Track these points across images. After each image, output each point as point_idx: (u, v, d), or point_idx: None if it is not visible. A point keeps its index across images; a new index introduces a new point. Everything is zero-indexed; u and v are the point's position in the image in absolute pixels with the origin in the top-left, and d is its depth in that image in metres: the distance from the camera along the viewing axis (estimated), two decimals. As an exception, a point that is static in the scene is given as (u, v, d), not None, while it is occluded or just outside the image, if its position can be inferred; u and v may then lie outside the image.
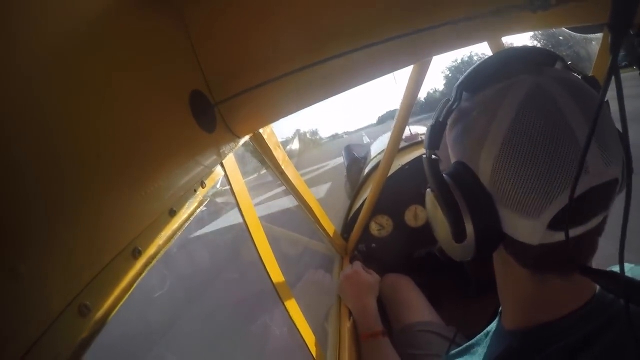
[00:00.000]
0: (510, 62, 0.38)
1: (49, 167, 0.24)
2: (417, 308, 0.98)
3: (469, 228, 0.36)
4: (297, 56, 0.47)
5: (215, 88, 0.48)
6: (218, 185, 0.55)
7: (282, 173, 0.87)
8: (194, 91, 0.44)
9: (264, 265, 0.71)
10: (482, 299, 0.70)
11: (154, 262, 0.34)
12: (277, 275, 0.74)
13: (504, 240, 0.37)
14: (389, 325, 0.99)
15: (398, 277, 1.12)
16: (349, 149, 3.03)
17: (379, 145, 2.66)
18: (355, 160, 2.70)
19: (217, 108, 0.49)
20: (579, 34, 0.62)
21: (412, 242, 1.23)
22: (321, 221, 1.12)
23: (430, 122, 0.40)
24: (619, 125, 0.35)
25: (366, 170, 1.83)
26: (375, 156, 2.16)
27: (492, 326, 0.48)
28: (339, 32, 0.46)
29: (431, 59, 0.79)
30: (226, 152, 0.52)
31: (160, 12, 0.41)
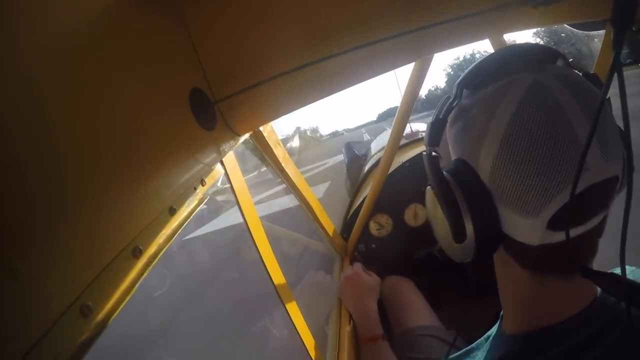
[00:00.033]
0: (511, 59, 0.38)
1: (48, 167, 0.24)
2: (418, 311, 0.98)
3: (469, 227, 0.36)
4: (297, 54, 0.47)
5: (215, 86, 0.48)
6: (219, 184, 0.54)
7: (282, 171, 0.87)
8: (194, 89, 0.44)
9: (264, 265, 0.71)
10: (482, 300, 0.70)
11: (155, 261, 0.34)
12: (277, 275, 0.74)
13: (504, 241, 0.37)
14: (389, 328, 0.99)
15: (399, 279, 1.12)
16: (349, 147, 3.03)
17: (379, 143, 2.66)
18: (355, 158, 2.70)
19: (217, 106, 0.49)
20: (581, 31, 0.62)
21: (412, 242, 1.23)
22: (321, 220, 1.12)
23: (430, 119, 0.40)
24: (620, 123, 0.35)
25: (366, 167, 1.82)
26: (376, 153, 2.16)
27: (493, 330, 0.47)
28: (339, 29, 0.45)
29: (432, 56, 0.79)
30: (226, 150, 0.52)
31: (160, 12, 0.41)
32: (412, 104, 0.93)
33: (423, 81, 0.86)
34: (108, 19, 0.33)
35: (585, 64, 0.42)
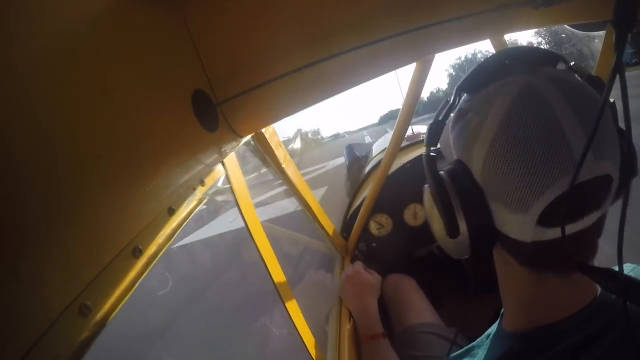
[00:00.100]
0: (507, 62, 0.39)
1: (48, 167, 0.24)
2: (419, 309, 0.98)
3: (462, 224, 0.37)
4: (299, 55, 0.47)
5: (217, 88, 0.48)
6: (219, 184, 0.54)
7: (283, 172, 0.87)
8: (196, 91, 0.44)
9: (265, 265, 0.70)
10: (482, 298, 0.70)
11: (155, 261, 0.34)
12: (278, 274, 0.74)
13: (500, 238, 0.38)
14: (390, 326, 0.99)
15: (401, 277, 1.12)
16: (350, 148, 3.04)
17: (381, 145, 2.66)
18: (356, 159, 2.70)
19: (219, 107, 0.49)
20: (581, 32, 0.62)
21: (412, 241, 1.23)
22: (321, 220, 1.12)
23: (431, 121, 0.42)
24: (621, 124, 0.35)
25: (367, 168, 1.83)
26: (377, 155, 2.16)
27: (493, 328, 0.47)
28: (339, 29, 0.45)
29: (433, 57, 0.79)
30: (228, 151, 0.52)
31: (160, 12, 0.41)
32: (414, 106, 0.93)
33: (424, 82, 0.86)
34: (108, 18, 0.33)
35: (586, 65, 0.42)
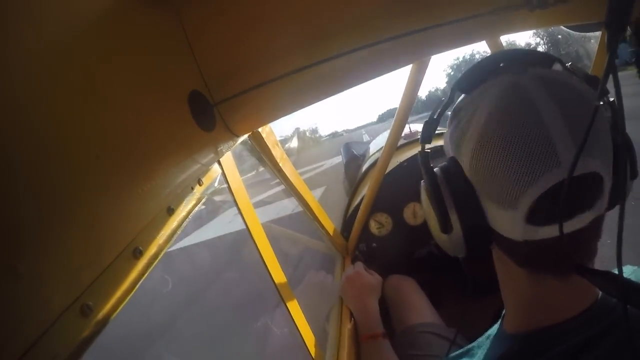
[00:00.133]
0: (500, 63, 0.39)
1: (45, 167, 0.24)
2: (420, 310, 0.98)
3: (455, 220, 0.38)
4: (296, 57, 0.47)
5: (214, 88, 0.48)
6: (216, 184, 0.55)
7: (280, 171, 0.87)
8: (193, 91, 0.44)
9: (265, 264, 0.71)
10: (483, 299, 0.70)
11: (156, 262, 0.34)
12: (278, 273, 0.74)
13: (494, 237, 0.38)
14: (391, 327, 0.99)
15: (402, 278, 1.12)
16: (347, 147, 3.03)
17: (378, 143, 2.66)
18: (353, 158, 2.69)
19: (216, 108, 0.49)
20: (577, 33, 0.62)
21: (412, 240, 1.23)
22: (321, 220, 1.12)
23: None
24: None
25: (364, 167, 1.83)
26: (374, 153, 2.16)
27: (494, 329, 0.48)
28: (337, 32, 0.46)
29: (430, 58, 0.79)
30: (224, 150, 0.52)
31: (157, 13, 0.41)
32: (410, 105, 0.93)
33: (421, 82, 0.86)
34: (105, 19, 0.33)
35: (582, 66, 0.42)
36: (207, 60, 0.47)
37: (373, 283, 1.01)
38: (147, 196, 0.34)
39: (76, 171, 0.27)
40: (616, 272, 0.32)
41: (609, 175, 0.34)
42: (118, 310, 0.28)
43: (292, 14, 0.46)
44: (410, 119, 1.01)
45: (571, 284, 0.37)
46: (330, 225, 1.18)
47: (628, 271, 0.44)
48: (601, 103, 0.33)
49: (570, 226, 0.33)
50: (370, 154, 2.40)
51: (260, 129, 0.72)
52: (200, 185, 0.47)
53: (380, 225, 1.25)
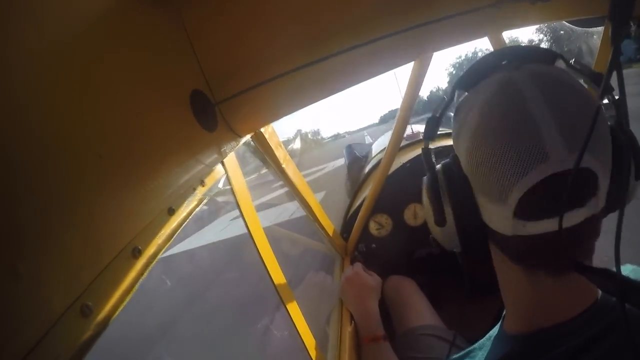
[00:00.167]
0: (500, 60, 0.40)
1: (47, 167, 0.24)
2: (420, 311, 0.98)
3: (449, 213, 0.39)
4: (297, 55, 0.47)
5: (215, 87, 0.48)
6: (220, 185, 0.54)
7: (283, 172, 0.87)
8: (194, 91, 0.44)
9: (265, 265, 0.70)
10: (483, 300, 0.70)
11: (154, 262, 0.34)
12: (278, 275, 0.74)
13: (488, 231, 0.38)
14: (391, 328, 0.99)
15: (401, 279, 1.11)
16: (350, 148, 3.04)
17: (380, 144, 2.66)
18: (356, 159, 2.70)
19: (217, 107, 0.49)
20: (580, 28, 0.62)
21: (412, 241, 1.23)
22: (321, 221, 1.12)
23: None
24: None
25: (367, 168, 1.82)
26: (377, 154, 2.16)
27: (495, 330, 0.47)
28: (338, 28, 0.46)
29: (431, 56, 0.79)
30: (227, 151, 0.52)
31: (159, 13, 0.41)
32: (412, 105, 0.93)
33: (423, 81, 0.86)
34: (107, 19, 0.33)
35: (584, 62, 0.42)
36: (208, 59, 0.47)
37: (372, 284, 1.01)
38: (149, 196, 0.34)
39: (77, 171, 0.27)
40: (614, 269, 0.31)
41: (605, 173, 0.33)
42: (118, 312, 0.28)
43: (293, 12, 0.46)
44: (411, 119, 1.01)
45: (568, 283, 0.37)
46: (331, 226, 1.18)
47: (627, 270, 0.43)
48: (605, 101, 0.32)
49: (557, 223, 0.33)
50: (373, 155, 2.41)
51: (262, 130, 0.72)
52: (202, 186, 0.47)
53: (380, 226, 1.24)
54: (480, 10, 0.42)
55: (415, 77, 0.85)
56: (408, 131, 1.63)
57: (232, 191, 0.65)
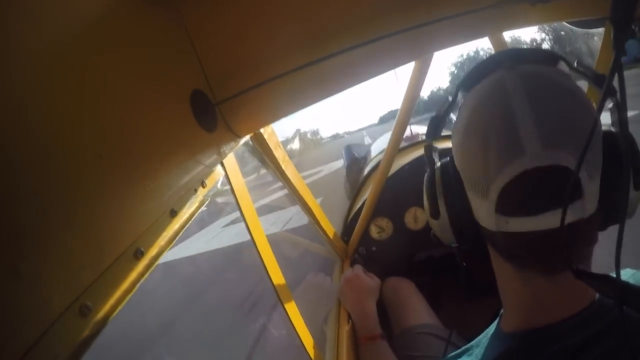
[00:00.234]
0: (499, 62, 0.40)
1: (47, 167, 0.24)
2: (418, 311, 0.98)
3: (441, 204, 0.42)
4: (297, 55, 0.47)
5: (216, 88, 0.48)
6: (219, 185, 0.54)
7: (282, 173, 0.87)
8: (195, 91, 0.44)
9: (265, 266, 0.70)
10: (481, 302, 0.70)
11: (156, 263, 0.34)
12: (277, 275, 0.73)
13: (480, 227, 0.39)
14: (389, 329, 0.99)
15: (400, 280, 1.12)
16: (349, 149, 3.04)
17: (379, 145, 2.66)
18: (355, 161, 2.70)
19: (217, 108, 0.49)
20: (580, 30, 0.62)
21: (412, 245, 1.23)
22: (321, 223, 1.11)
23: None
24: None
25: (366, 170, 1.82)
26: (376, 156, 2.16)
27: (492, 328, 0.47)
28: (339, 28, 0.45)
29: (432, 56, 0.79)
30: (227, 151, 0.52)
31: (159, 12, 0.41)
32: (412, 105, 0.93)
33: (423, 82, 0.86)
34: (107, 19, 0.33)
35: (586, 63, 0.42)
36: (209, 59, 0.47)
37: (371, 285, 1.01)
38: (150, 197, 0.34)
39: (78, 171, 0.27)
40: (613, 274, 0.31)
41: (592, 176, 0.33)
42: (117, 311, 0.28)
43: (293, 12, 0.46)
44: (411, 120, 1.01)
45: (563, 283, 0.36)
46: (331, 228, 1.18)
47: (627, 274, 0.43)
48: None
49: (539, 223, 0.33)
50: (372, 156, 2.40)
51: (262, 130, 0.72)
52: (203, 187, 0.47)
53: (381, 229, 1.24)
54: (480, 10, 0.43)
55: (415, 77, 0.85)
56: (407, 133, 1.63)
57: (231, 191, 0.65)
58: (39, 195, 0.23)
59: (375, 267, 1.14)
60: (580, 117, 0.34)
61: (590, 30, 0.56)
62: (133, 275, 0.30)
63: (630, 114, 0.33)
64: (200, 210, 0.45)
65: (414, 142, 1.55)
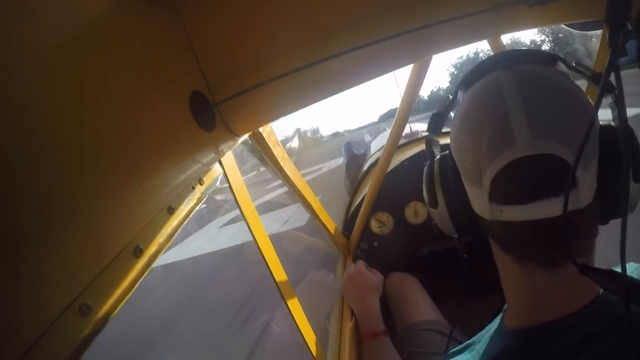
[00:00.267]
0: (497, 62, 0.40)
1: (45, 168, 0.24)
2: (421, 307, 0.98)
3: (439, 193, 0.43)
4: (296, 56, 0.47)
5: (215, 88, 0.48)
6: (217, 183, 0.55)
7: (281, 171, 0.87)
8: (194, 92, 0.44)
9: (266, 263, 0.71)
10: (485, 298, 0.70)
11: (155, 260, 0.34)
12: (279, 272, 0.74)
13: (477, 217, 0.40)
14: (392, 325, 0.99)
15: (403, 276, 1.12)
16: (349, 146, 3.04)
17: (379, 143, 2.66)
18: (354, 157, 2.70)
19: (216, 108, 0.49)
20: (578, 31, 0.62)
21: (413, 239, 1.23)
22: (322, 219, 1.12)
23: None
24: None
25: (366, 166, 1.83)
26: (375, 153, 2.16)
27: (494, 324, 0.47)
28: (338, 30, 0.46)
29: (431, 58, 0.79)
30: (225, 150, 0.52)
31: (158, 13, 0.41)
32: (411, 105, 0.93)
33: (422, 82, 0.86)
34: (106, 19, 0.33)
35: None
36: (208, 59, 0.47)
37: (374, 281, 1.01)
38: (148, 195, 0.34)
39: (76, 171, 0.27)
40: (618, 269, 0.31)
41: (587, 166, 0.33)
42: (117, 309, 0.28)
43: (292, 13, 0.46)
44: (411, 118, 1.01)
45: (564, 277, 0.36)
46: (332, 224, 1.18)
47: (631, 268, 0.43)
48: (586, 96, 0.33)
49: (533, 212, 0.33)
50: (371, 153, 2.41)
51: (261, 129, 0.72)
52: (201, 184, 0.47)
53: (382, 224, 1.24)
54: (479, 13, 0.43)
55: (414, 78, 0.85)
56: (407, 130, 1.63)
57: (230, 189, 0.65)
58: (38, 195, 0.23)
59: (377, 262, 1.14)
60: (573, 110, 0.34)
61: (589, 32, 0.56)
62: (133, 273, 0.30)
63: (632, 112, 0.34)
64: (200, 208, 0.45)
65: (413, 139, 1.56)
